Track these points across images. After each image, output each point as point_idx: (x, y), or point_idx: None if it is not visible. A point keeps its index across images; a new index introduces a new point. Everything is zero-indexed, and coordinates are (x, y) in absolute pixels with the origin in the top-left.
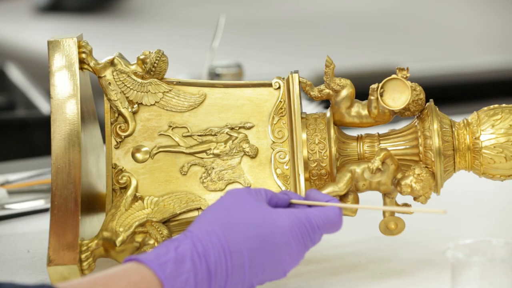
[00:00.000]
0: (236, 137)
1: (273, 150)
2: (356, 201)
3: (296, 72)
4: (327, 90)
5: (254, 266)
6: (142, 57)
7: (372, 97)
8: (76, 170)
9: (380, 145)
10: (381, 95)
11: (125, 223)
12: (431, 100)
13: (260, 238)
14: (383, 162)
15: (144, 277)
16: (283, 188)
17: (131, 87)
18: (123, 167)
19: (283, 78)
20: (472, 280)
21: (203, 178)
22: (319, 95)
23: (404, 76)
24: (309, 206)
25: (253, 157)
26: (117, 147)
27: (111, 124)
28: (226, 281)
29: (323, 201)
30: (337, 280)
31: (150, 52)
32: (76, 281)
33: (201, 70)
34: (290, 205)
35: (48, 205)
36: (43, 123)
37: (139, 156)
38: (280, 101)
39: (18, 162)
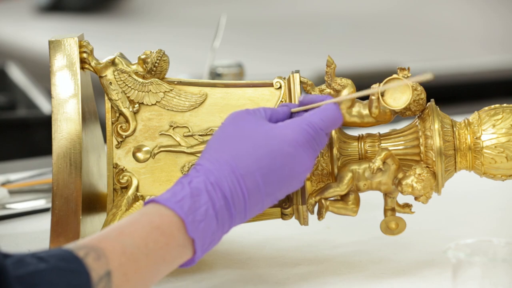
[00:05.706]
0: None
1: None
2: (357, 200)
3: (297, 72)
4: (328, 90)
5: (269, 184)
6: (143, 56)
7: (373, 97)
8: (77, 169)
9: (381, 144)
10: (382, 95)
11: None
12: (432, 100)
13: (268, 156)
14: (384, 162)
15: (165, 218)
16: None
17: (132, 87)
18: (124, 167)
19: (284, 78)
20: (473, 280)
21: None
22: None
23: (405, 76)
24: (306, 110)
25: None
26: (118, 147)
27: (112, 123)
28: (245, 205)
29: (318, 101)
30: (338, 280)
31: (151, 51)
32: (101, 232)
33: (202, 70)
34: (291, 115)
35: (49, 205)
36: (44, 123)
37: (140, 155)
38: (281, 100)
39: (19, 162)
